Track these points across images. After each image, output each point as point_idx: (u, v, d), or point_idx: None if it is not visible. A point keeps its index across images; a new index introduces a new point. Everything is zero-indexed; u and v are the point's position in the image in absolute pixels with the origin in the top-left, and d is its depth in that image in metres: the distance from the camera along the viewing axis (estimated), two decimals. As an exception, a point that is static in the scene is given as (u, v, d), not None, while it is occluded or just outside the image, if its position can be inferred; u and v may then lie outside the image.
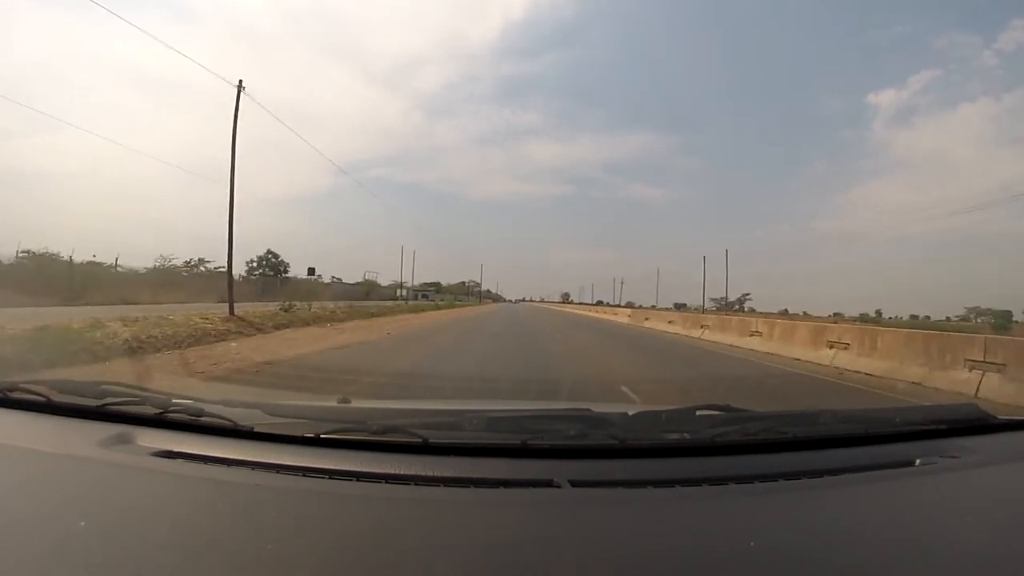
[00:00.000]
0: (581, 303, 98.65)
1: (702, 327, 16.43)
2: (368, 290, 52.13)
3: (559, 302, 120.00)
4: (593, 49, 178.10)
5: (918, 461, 1.11)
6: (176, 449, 1.01)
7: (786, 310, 74.23)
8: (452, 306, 45.04)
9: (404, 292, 62.23)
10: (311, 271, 42.92)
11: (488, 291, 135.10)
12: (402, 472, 0.95)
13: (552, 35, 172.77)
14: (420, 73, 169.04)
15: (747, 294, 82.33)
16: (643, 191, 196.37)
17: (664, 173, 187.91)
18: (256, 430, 1.07)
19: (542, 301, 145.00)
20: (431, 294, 78.71)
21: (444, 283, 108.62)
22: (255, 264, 51.17)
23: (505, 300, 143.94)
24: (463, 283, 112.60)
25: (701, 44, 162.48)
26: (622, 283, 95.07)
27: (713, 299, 72.39)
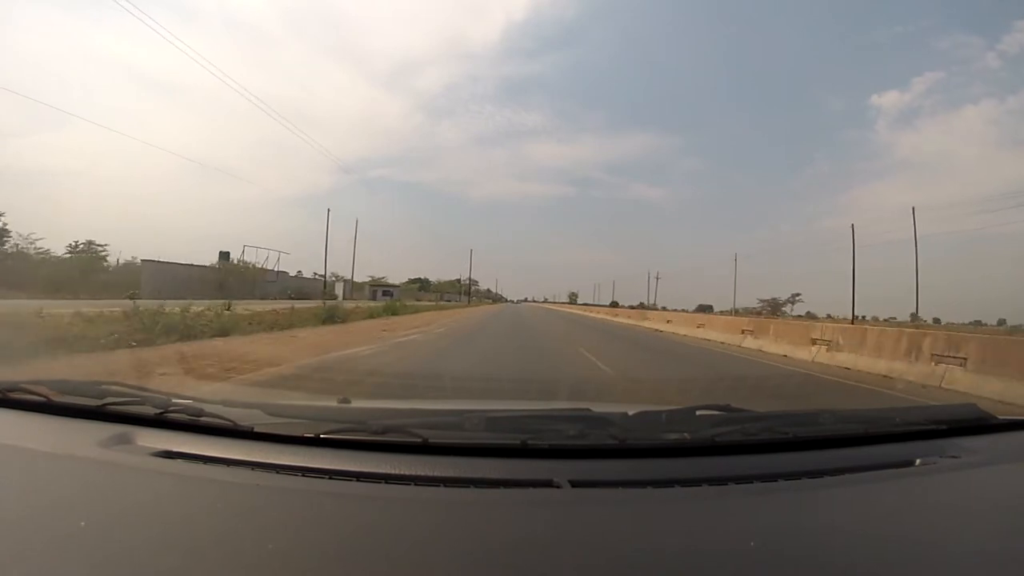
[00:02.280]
0: (586, 304, 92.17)
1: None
2: (224, 279, 32.94)
3: (565, 303, 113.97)
4: (594, 49, 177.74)
5: (918, 461, 1.11)
6: (176, 449, 1.01)
7: (809, 312, 70.10)
8: (395, 311, 22.94)
9: (343, 288, 45.12)
10: (224, 255, 33.64)
11: (488, 290, 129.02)
12: (402, 472, 0.95)
13: (553, 35, 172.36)
14: (422, 73, 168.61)
15: (797, 294, 71.37)
16: (647, 191, 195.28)
17: (667, 173, 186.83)
18: (256, 430, 1.07)
19: (545, 301, 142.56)
20: (396, 292, 60.03)
21: (439, 280, 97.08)
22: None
23: (506, 300, 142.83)
24: (458, 280, 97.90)
25: (703, 45, 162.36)
26: (657, 279, 78.66)
27: (762, 300, 67.43)
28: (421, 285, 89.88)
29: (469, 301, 75.32)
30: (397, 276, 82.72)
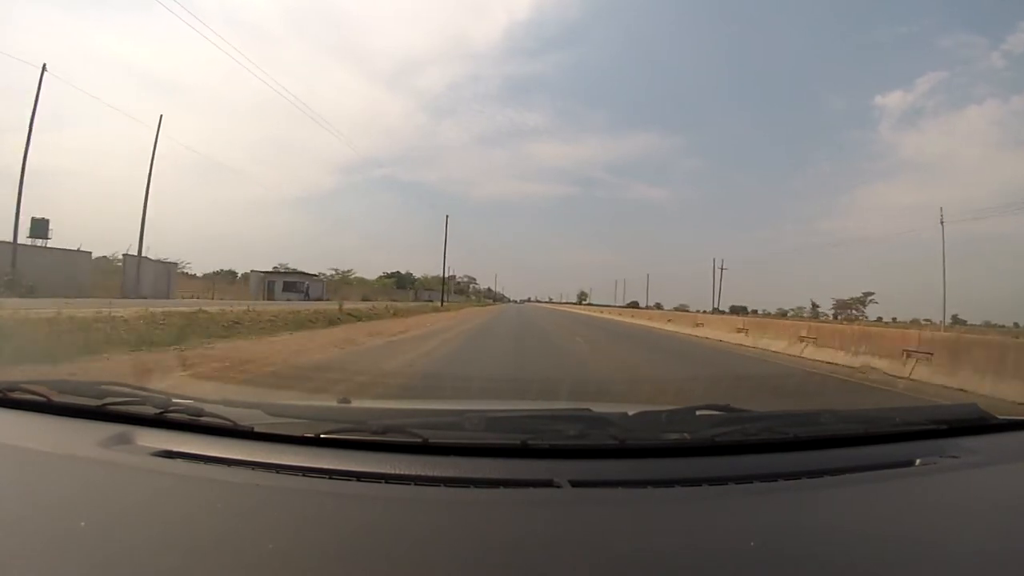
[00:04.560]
0: (591, 304, 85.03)
1: None
2: None
3: (572, 303, 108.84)
4: (597, 49, 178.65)
5: (918, 461, 1.11)
6: (176, 449, 1.01)
7: (835, 316, 65.93)
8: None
9: (133, 272, 24.73)
10: (36, 227, 22.74)
11: (489, 289, 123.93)
12: (402, 472, 0.95)
13: (556, 35, 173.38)
14: (424, 73, 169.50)
15: (870, 293, 63.63)
16: (650, 192, 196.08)
17: (671, 173, 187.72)
18: (256, 430, 1.07)
19: (549, 301, 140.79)
20: (307, 285, 39.64)
21: (427, 275, 79.12)
22: None
23: (509, 300, 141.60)
24: (452, 277, 79.74)
25: (705, 45, 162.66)
26: (723, 268, 58.01)
27: (836, 299, 62.44)
28: (399, 281, 73.53)
29: (443, 302, 45.41)
30: (386, 272, 73.56)
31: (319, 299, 33.23)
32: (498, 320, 19.99)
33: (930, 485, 1.06)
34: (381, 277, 72.12)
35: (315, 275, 47.59)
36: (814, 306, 71.48)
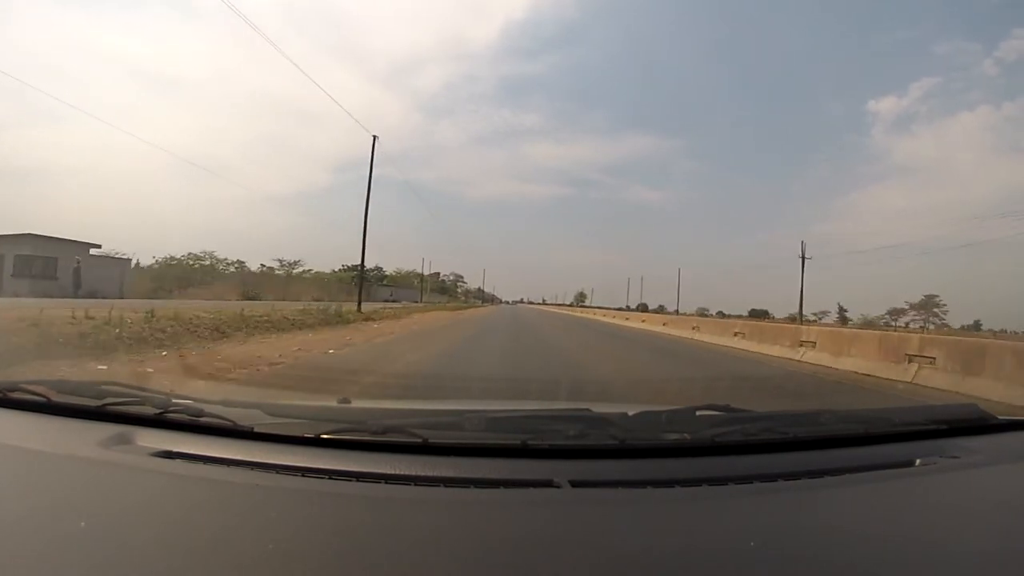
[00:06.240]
0: (585, 307, 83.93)
1: None
2: None
3: (568, 304, 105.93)
4: (594, 50, 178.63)
5: (918, 461, 1.11)
6: (176, 449, 1.01)
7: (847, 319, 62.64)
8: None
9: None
10: None
11: (479, 290, 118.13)
12: (402, 472, 0.95)
13: (553, 35, 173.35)
14: (421, 72, 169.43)
15: (933, 296, 59.22)
16: (648, 194, 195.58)
17: (667, 175, 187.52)
18: (256, 430, 1.07)
19: (543, 303, 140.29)
20: (76, 264, 18.92)
21: (401, 270, 72.59)
22: None
23: (502, 301, 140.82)
24: (436, 275, 74.08)
25: (704, 45, 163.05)
26: (804, 258, 42.78)
27: (903, 305, 57.79)
28: (364, 276, 60.44)
29: (360, 305, 21.12)
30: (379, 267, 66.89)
31: (93, 295, 17.16)
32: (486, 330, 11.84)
33: (930, 485, 1.06)
34: (339, 271, 53.72)
35: (92, 244, 23.85)
36: (841, 310, 67.56)
